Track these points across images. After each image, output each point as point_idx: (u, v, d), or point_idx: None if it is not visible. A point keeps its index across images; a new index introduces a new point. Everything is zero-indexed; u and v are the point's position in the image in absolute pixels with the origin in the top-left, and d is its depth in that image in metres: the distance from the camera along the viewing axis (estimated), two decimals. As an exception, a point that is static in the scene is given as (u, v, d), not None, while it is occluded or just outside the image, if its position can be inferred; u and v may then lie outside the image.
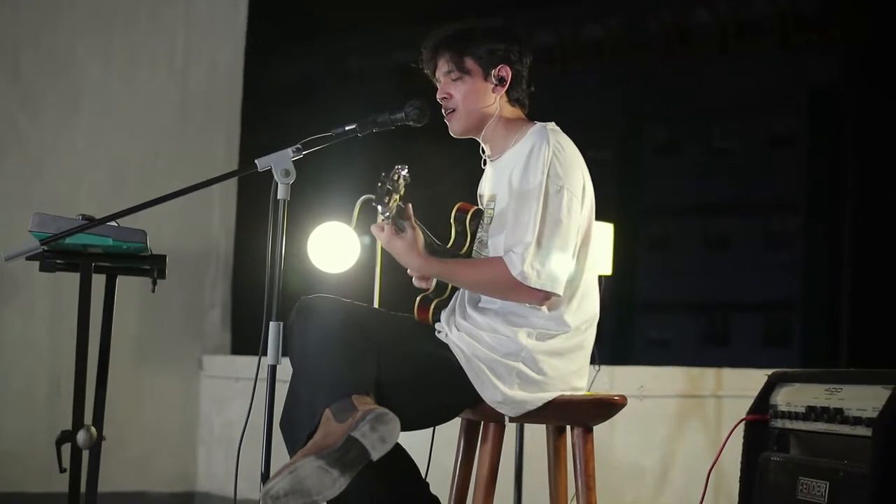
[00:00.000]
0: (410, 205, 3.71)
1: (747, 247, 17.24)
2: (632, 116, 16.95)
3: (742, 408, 4.07)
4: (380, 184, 3.48)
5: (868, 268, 13.08)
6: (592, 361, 3.90)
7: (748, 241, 17.22)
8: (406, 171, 3.54)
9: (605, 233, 5.05)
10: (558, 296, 3.69)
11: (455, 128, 3.90)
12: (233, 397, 6.75)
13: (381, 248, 4.91)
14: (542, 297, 3.67)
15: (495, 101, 3.86)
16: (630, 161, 16.81)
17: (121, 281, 4.21)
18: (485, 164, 4.00)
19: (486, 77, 3.85)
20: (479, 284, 3.73)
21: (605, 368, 5.28)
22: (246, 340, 7.01)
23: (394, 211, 3.54)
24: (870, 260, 13.03)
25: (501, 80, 3.86)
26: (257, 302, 3.57)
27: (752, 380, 4.15)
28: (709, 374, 5.82)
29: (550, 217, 3.66)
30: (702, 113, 17.05)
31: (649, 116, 17.18)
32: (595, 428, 3.89)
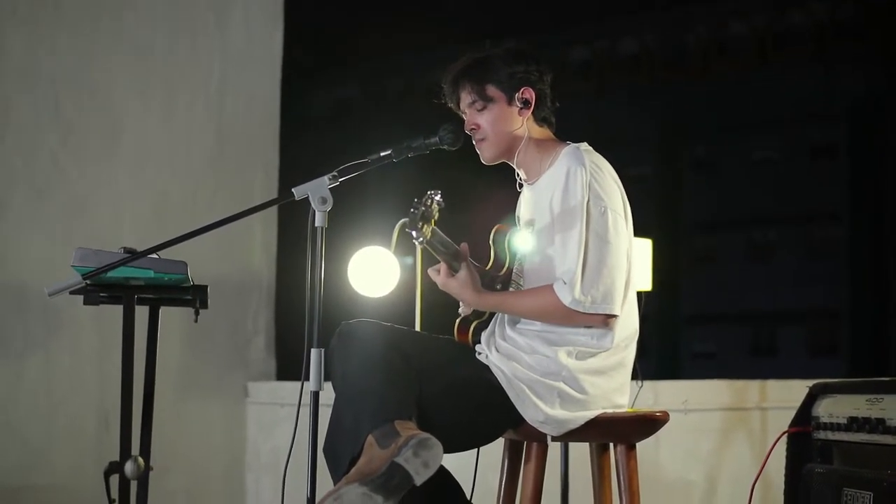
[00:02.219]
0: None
1: (791, 257, 17.21)
2: (670, 131, 16.97)
3: (788, 419, 4.09)
4: (413, 209, 3.50)
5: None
6: (634, 377, 3.90)
7: (791, 252, 17.19)
8: (439, 196, 3.55)
9: (643, 249, 5.06)
10: (616, 316, 3.71)
11: (486, 155, 3.91)
12: (279, 423, 6.78)
13: (422, 271, 4.93)
14: (601, 319, 3.69)
15: (523, 124, 3.88)
16: (670, 176, 16.82)
17: (165, 312, 4.24)
18: (521, 186, 4.02)
19: (511, 101, 3.86)
20: (536, 315, 3.75)
21: (648, 384, 5.29)
22: (291, 366, 7.03)
23: (428, 236, 3.56)
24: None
25: (526, 103, 3.87)
26: (301, 327, 3.59)
27: (797, 391, 4.16)
28: (753, 386, 5.81)
29: (599, 239, 3.67)
30: (740, 125, 17.03)
31: (688, 130, 17.18)
32: (640, 443, 3.90)
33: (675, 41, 15.93)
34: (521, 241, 3.88)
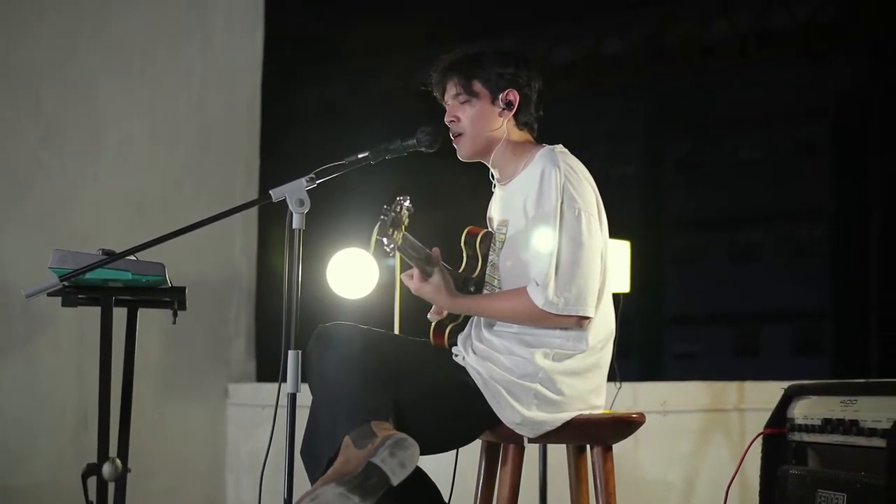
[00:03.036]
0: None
1: (774, 257, 17.24)
2: (654, 130, 16.99)
3: (765, 421, 4.10)
4: (383, 216, 3.51)
5: (896, 274, 13.06)
6: (613, 378, 3.92)
7: (775, 251, 17.22)
8: (408, 202, 3.56)
9: (621, 251, 5.06)
10: (590, 318, 3.72)
11: (463, 152, 3.93)
12: (260, 424, 6.78)
13: (401, 273, 4.94)
14: (574, 321, 3.70)
15: (502, 125, 3.89)
16: (654, 175, 16.84)
17: (146, 313, 4.25)
18: (494, 187, 4.03)
19: (494, 101, 3.88)
20: (509, 317, 3.76)
21: (627, 385, 5.30)
22: (271, 368, 7.03)
23: (399, 242, 3.56)
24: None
25: (509, 104, 3.88)
26: (281, 329, 3.60)
27: (775, 392, 4.17)
28: (731, 387, 5.82)
29: (572, 241, 3.69)
30: (725, 124, 17.06)
31: (671, 129, 17.21)
32: (619, 444, 3.91)
33: (658, 40, 15.93)
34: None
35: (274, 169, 7.27)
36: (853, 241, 14.70)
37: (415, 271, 3.76)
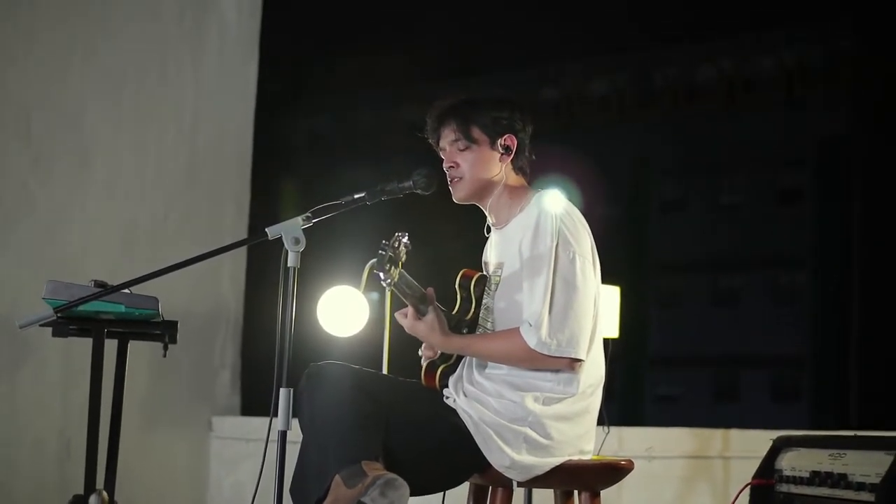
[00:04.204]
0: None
1: (755, 302, 17.29)
2: (638, 172, 17.05)
3: (750, 469, 4.10)
4: (381, 251, 3.51)
5: (876, 322, 13.08)
6: (601, 423, 3.92)
7: (756, 297, 17.27)
8: (406, 238, 3.57)
9: (611, 296, 5.08)
10: (582, 360, 3.73)
11: (459, 194, 3.94)
12: (243, 458, 6.76)
13: (391, 313, 4.94)
14: (566, 363, 3.71)
15: (501, 170, 3.91)
16: (637, 217, 16.90)
17: (132, 344, 4.25)
18: (488, 231, 4.04)
19: (493, 146, 3.90)
20: (501, 358, 3.77)
21: (613, 430, 5.30)
22: (255, 402, 7.03)
23: (395, 278, 3.57)
24: (878, 314, 13.03)
25: (507, 149, 3.90)
26: (267, 363, 3.60)
27: (760, 441, 4.18)
28: (716, 435, 5.84)
29: (566, 284, 3.70)
30: (708, 168, 17.14)
31: (655, 172, 17.28)
32: (603, 490, 3.92)
33: (644, 83, 16.00)
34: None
35: (264, 201, 7.28)
36: (834, 288, 14.73)
37: (409, 310, 3.77)
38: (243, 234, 7.03)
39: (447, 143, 3.94)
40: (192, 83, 7.12)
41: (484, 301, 3.92)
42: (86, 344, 4.11)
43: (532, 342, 3.66)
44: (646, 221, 17.25)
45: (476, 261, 4.09)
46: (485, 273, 3.98)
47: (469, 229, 4.16)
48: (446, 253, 4.82)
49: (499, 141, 3.90)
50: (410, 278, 3.70)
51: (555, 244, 3.72)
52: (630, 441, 5.73)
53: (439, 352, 3.91)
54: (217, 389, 7.10)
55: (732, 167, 17.21)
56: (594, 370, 3.85)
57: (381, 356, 5.09)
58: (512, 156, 3.91)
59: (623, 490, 5.62)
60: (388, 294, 4.98)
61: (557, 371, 3.75)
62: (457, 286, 3.94)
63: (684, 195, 17.67)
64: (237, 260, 7.16)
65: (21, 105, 6.50)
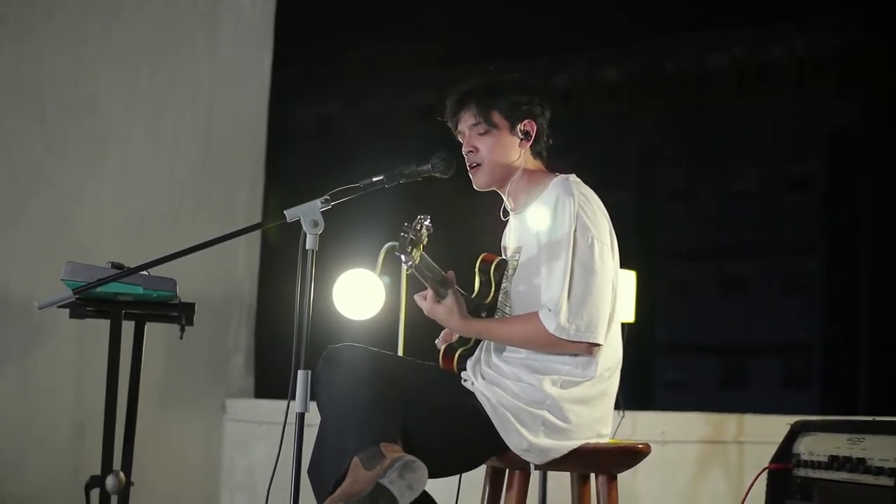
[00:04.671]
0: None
1: (765, 290, 17.27)
2: (648, 160, 17.03)
3: (764, 454, 4.10)
4: (402, 234, 3.52)
5: (886, 309, 13.09)
6: (617, 407, 3.92)
7: (766, 285, 17.26)
8: (429, 220, 3.57)
9: (627, 280, 5.08)
10: (600, 345, 3.73)
11: (480, 181, 3.94)
12: (256, 441, 6.78)
13: (407, 295, 4.94)
14: (584, 347, 3.72)
15: (520, 156, 3.91)
16: (647, 205, 16.87)
17: (146, 327, 4.27)
18: (504, 214, 4.04)
19: (513, 131, 3.90)
20: (520, 342, 3.77)
21: (627, 414, 5.30)
22: (269, 384, 7.04)
23: (417, 261, 3.57)
24: (887, 301, 13.03)
25: (527, 135, 3.90)
26: (281, 346, 3.61)
27: (774, 426, 4.19)
28: (730, 419, 5.84)
29: (584, 269, 3.70)
30: (718, 156, 17.11)
31: (666, 160, 17.25)
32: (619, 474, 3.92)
33: (655, 71, 15.98)
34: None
35: (277, 186, 7.29)
36: (844, 275, 14.73)
37: (428, 292, 3.77)
38: (257, 219, 7.05)
39: (466, 126, 3.94)
40: (207, 68, 7.13)
41: (503, 285, 3.93)
42: (99, 326, 4.12)
43: (551, 327, 3.67)
44: (655, 209, 17.23)
45: (494, 245, 4.09)
46: (504, 258, 3.99)
47: (487, 213, 4.16)
48: (464, 237, 4.82)
49: (518, 126, 3.90)
50: (431, 261, 3.70)
51: (573, 229, 3.72)
52: (644, 425, 5.73)
53: (456, 335, 3.92)
54: (231, 372, 7.11)
55: (742, 156, 17.18)
56: (612, 354, 3.86)
57: (397, 340, 5.09)
58: (531, 141, 3.92)
59: (637, 474, 5.62)
60: (403, 277, 4.98)
61: (575, 355, 3.76)
62: (476, 270, 3.94)
63: (694, 183, 17.65)
64: (251, 244, 7.18)
65: (37, 91, 6.51)
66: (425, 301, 3.79)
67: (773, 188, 17.22)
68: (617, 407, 3.93)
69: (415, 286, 3.85)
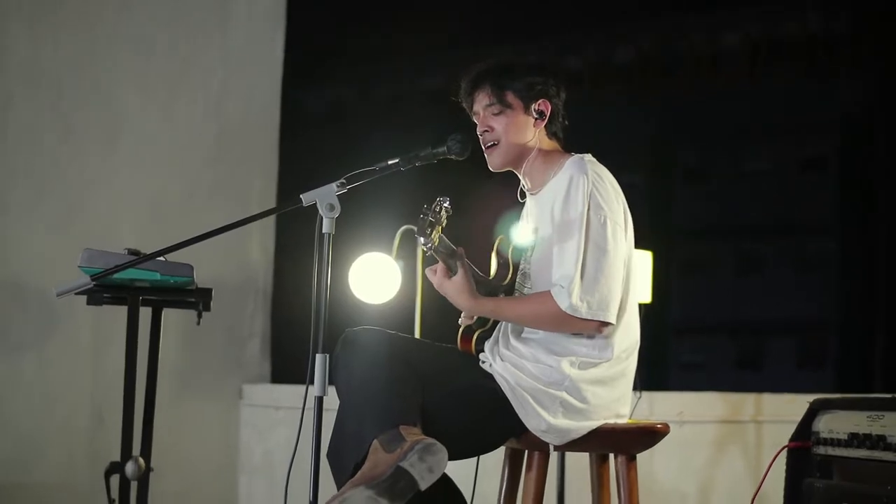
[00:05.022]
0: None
1: (780, 269, 17.26)
2: (661, 141, 17.00)
3: (782, 433, 4.10)
4: (422, 216, 3.53)
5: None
6: (634, 388, 3.93)
7: (781, 264, 17.24)
8: (448, 202, 3.58)
9: (644, 260, 5.08)
10: (612, 324, 3.73)
11: (495, 162, 3.94)
12: (273, 426, 6.79)
13: (423, 278, 4.95)
14: (596, 326, 3.71)
15: (535, 136, 3.91)
16: (660, 185, 16.84)
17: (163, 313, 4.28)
18: (521, 196, 4.04)
19: (527, 111, 3.90)
20: (531, 320, 3.77)
21: (644, 395, 5.30)
22: (286, 369, 7.05)
23: (436, 243, 3.58)
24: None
25: (541, 115, 3.90)
26: (297, 331, 3.61)
27: (792, 405, 4.19)
28: (748, 399, 5.83)
29: (597, 248, 3.70)
30: (732, 136, 17.08)
31: (679, 140, 17.23)
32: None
33: (668, 51, 15.93)
34: (522, 236, 3.89)
35: (291, 170, 7.28)
36: (859, 254, 14.69)
37: (439, 266, 3.76)
38: (272, 204, 7.05)
39: (481, 107, 3.94)
40: (219, 53, 7.12)
41: (521, 267, 3.93)
42: (117, 313, 4.13)
43: (563, 305, 3.66)
44: (669, 189, 17.20)
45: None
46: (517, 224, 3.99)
47: (504, 195, 4.16)
48: (481, 219, 4.82)
49: (532, 106, 3.90)
50: (448, 242, 3.71)
51: (586, 208, 3.72)
52: (661, 406, 5.73)
53: (475, 316, 3.92)
54: (247, 357, 7.11)
55: (757, 135, 17.15)
56: (629, 334, 3.86)
57: (413, 323, 5.10)
58: (546, 121, 3.92)
59: (655, 455, 5.61)
60: (419, 260, 4.99)
61: (592, 336, 3.76)
62: (494, 252, 3.94)
63: (707, 164, 17.62)
64: (266, 229, 7.18)
65: (51, 77, 6.52)
66: (435, 275, 3.78)
67: (787, 168, 17.20)
68: (634, 388, 3.92)
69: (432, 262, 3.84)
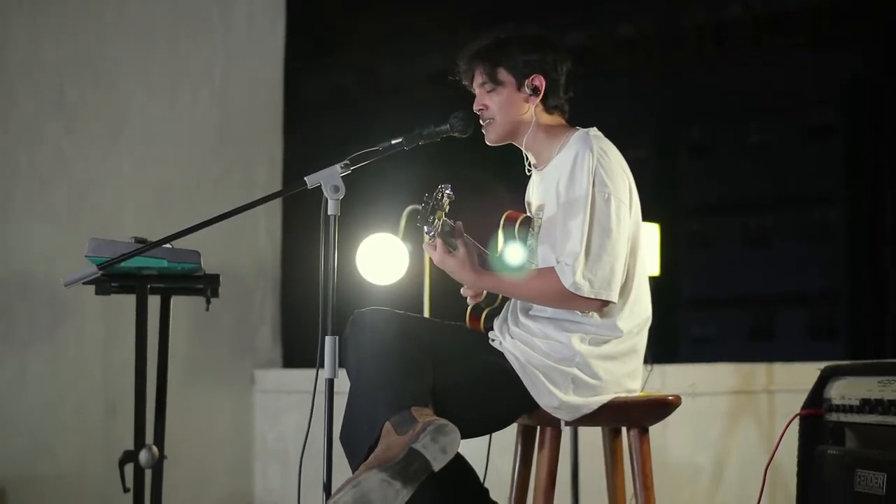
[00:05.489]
0: (461, 222, 3.76)
1: (788, 241, 17.22)
2: (666, 115, 16.95)
3: (794, 402, 4.10)
4: (424, 203, 3.54)
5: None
6: (645, 362, 3.93)
7: (788, 235, 17.20)
8: (450, 189, 3.59)
9: (651, 234, 5.07)
10: (613, 303, 3.72)
11: (490, 137, 3.93)
12: (286, 410, 6.80)
13: (429, 258, 4.94)
14: (598, 305, 3.70)
15: (529, 111, 3.89)
16: (666, 160, 16.80)
17: (172, 301, 4.28)
18: (529, 172, 4.04)
19: (520, 87, 3.88)
20: (534, 296, 3.76)
21: (656, 368, 5.29)
22: (297, 354, 7.06)
23: (439, 229, 3.59)
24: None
25: (535, 90, 3.88)
26: (307, 315, 3.61)
27: (804, 374, 4.18)
28: (760, 369, 5.83)
29: (600, 225, 3.69)
30: (736, 109, 17.03)
31: (684, 115, 17.18)
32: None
33: (671, 26, 15.88)
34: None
35: (296, 156, 7.29)
36: (866, 223, 14.67)
37: (439, 242, 3.76)
38: (277, 189, 7.05)
39: (477, 85, 3.94)
40: (221, 43, 7.13)
41: (528, 242, 3.92)
42: (125, 303, 4.13)
43: (567, 282, 3.65)
44: (675, 165, 17.16)
45: (515, 204, 4.09)
46: (528, 214, 3.98)
47: (509, 172, 4.15)
48: (487, 197, 4.81)
49: (526, 82, 3.88)
50: (450, 222, 3.71)
51: (590, 185, 3.71)
52: (673, 378, 5.73)
53: (484, 293, 3.92)
54: (258, 343, 7.13)
55: (762, 107, 17.10)
56: (640, 309, 3.86)
57: (422, 303, 5.10)
58: (541, 96, 3.89)
59: (668, 427, 5.63)
60: (426, 240, 4.98)
61: (596, 314, 3.76)
62: (500, 228, 3.94)
63: (713, 137, 17.58)
64: (272, 213, 7.19)
65: (53, 70, 6.53)
66: (435, 251, 3.78)
67: (792, 139, 17.15)
68: (644, 361, 3.92)
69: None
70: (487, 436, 3.99)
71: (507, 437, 4.06)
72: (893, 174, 13.87)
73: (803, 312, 17.04)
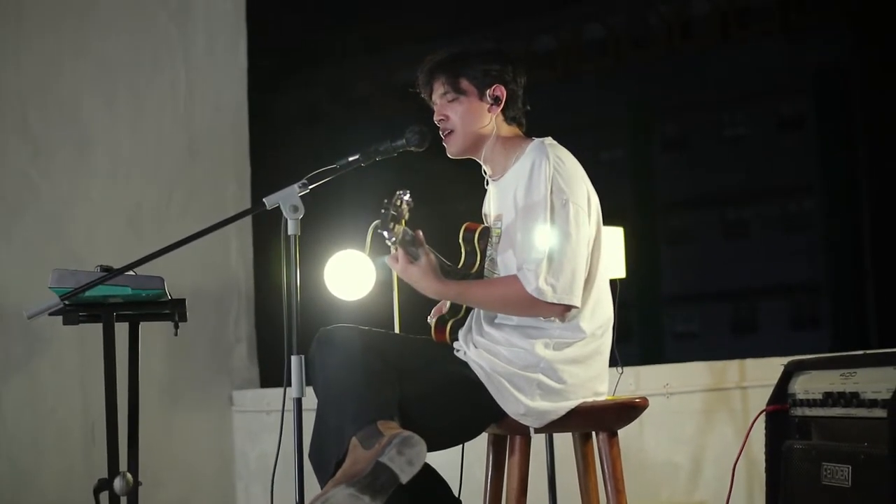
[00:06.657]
0: (420, 231, 3.78)
1: (766, 233, 17.28)
2: (638, 113, 17.00)
3: (766, 397, 4.12)
4: (383, 210, 3.55)
5: (888, 243, 13.09)
6: (614, 364, 3.94)
7: (767, 227, 17.26)
8: (408, 195, 3.60)
9: (614, 237, 5.09)
10: (577, 308, 3.74)
11: (452, 149, 3.96)
12: (266, 430, 6.80)
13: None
14: (561, 310, 3.73)
15: (491, 121, 3.92)
16: (640, 157, 16.85)
17: (146, 326, 4.28)
18: (487, 184, 4.06)
19: (482, 97, 3.91)
20: (497, 304, 3.78)
21: (629, 370, 5.31)
22: (274, 373, 7.06)
23: (400, 236, 3.60)
24: (889, 234, 13.04)
25: (497, 100, 3.91)
26: (282, 334, 3.62)
27: (775, 369, 4.20)
28: (732, 366, 5.84)
29: (560, 231, 3.71)
30: (708, 103, 17.08)
31: (656, 111, 17.23)
32: (625, 429, 3.94)
33: (638, 22, 15.94)
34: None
35: (264, 176, 7.30)
36: (843, 212, 14.72)
37: (400, 252, 3.77)
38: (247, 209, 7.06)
39: (437, 96, 3.96)
40: (183, 64, 7.12)
41: (488, 253, 3.94)
42: (99, 330, 4.13)
43: (530, 288, 3.67)
44: (649, 161, 17.21)
45: (476, 214, 4.11)
46: (487, 225, 4.00)
47: (470, 183, 4.17)
48: (449, 209, 4.83)
49: (487, 91, 3.91)
50: (410, 232, 3.72)
51: (549, 192, 3.73)
52: (647, 380, 5.74)
53: (447, 304, 3.93)
54: (235, 363, 7.13)
55: (733, 99, 17.16)
56: (602, 311, 3.88)
57: (392, 318, 5.10)
58: (501, 106, 3.92)
59: (644, 428, 5.66)
60: (392, 252, 4.99)
61: (557, 320, 3.77)
62: (460, 240, 3.95)
63: (686, 131, 17.63)
64: (243, 233, 7.19)
65: (17, 99, 6.51)
66: (397, 262, 3.79)
67: (766, 130, 17.22)
68: (614, 364, 3.94)
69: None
70: (460, 447, 4.01)
71: (481, 447, 4.08)
72: (868, 161, 13.92)
73: (784, 304, 17.11)
